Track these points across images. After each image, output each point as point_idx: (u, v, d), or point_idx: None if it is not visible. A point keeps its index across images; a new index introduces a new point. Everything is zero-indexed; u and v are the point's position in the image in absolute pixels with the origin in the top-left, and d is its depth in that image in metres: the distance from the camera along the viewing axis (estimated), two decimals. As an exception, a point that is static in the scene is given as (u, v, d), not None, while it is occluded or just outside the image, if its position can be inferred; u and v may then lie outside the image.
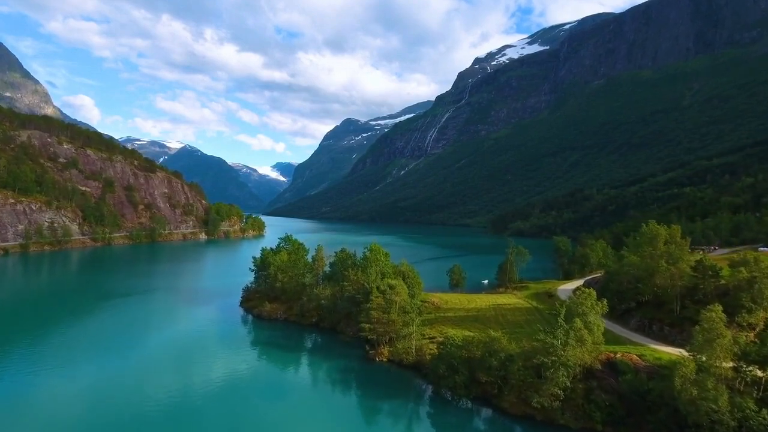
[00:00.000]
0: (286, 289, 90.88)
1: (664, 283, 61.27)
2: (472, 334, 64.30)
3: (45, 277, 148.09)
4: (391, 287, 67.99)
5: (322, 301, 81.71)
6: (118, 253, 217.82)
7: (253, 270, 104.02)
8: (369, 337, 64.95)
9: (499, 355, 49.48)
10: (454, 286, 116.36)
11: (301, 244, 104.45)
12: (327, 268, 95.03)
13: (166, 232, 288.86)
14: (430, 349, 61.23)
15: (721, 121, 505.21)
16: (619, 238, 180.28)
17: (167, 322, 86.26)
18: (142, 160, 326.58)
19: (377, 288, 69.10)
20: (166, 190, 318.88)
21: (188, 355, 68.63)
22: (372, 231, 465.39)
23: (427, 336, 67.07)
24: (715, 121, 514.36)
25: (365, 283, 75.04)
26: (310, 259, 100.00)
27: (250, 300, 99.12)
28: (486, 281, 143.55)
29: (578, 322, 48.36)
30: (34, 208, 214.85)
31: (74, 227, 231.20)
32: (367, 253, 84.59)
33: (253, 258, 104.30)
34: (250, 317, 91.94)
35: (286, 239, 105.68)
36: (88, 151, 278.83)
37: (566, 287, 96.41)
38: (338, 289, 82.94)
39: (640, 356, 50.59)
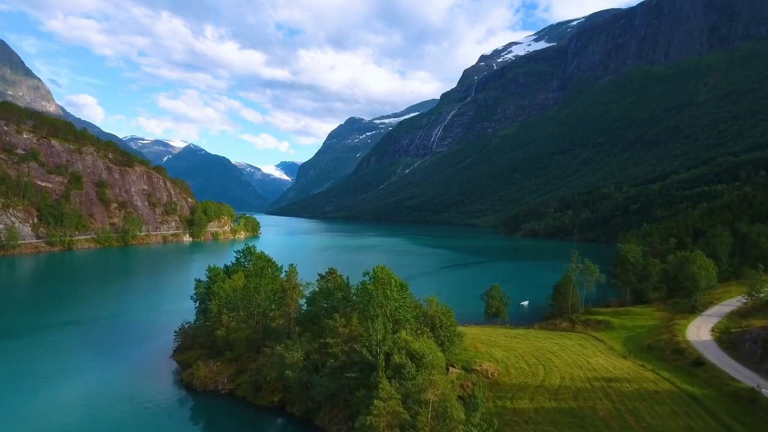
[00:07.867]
0: (233, 341, 54.54)
1: None
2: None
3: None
4: (418, 359, 33.34)
5: (287, 372, 44.63)
6: (75, 259, 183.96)
7: (194, 300, 67.05)
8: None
9: None
10: (493, 317, 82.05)
11: (270, 259, 65.94)
12: (303, 303, 57.33)
13: (143, 234, 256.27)
14: None
15: (741, 116, 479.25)
16: (681, 243, 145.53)
17: (41, 395, 51.41)
18: (118, 153, 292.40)
19: (386, 357, 34.88)
20: (145, 187, 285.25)
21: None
22: (376, 232, 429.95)
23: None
24: (734, 116, 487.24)
25: (364, 348, 38.93)
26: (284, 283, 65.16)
27: (185, 350, 62.47)
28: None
29: None
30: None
31: (26, 229, 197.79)
32: (369, 285, 46.32)
33: (196, 281, 67.28)
34: (181, 381, 55.92)
35: (248, 252, 67.99)
36: (53, 142, 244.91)
37: (696, 337, 58.08)
38: (317, 349, 46.88)
39: None
